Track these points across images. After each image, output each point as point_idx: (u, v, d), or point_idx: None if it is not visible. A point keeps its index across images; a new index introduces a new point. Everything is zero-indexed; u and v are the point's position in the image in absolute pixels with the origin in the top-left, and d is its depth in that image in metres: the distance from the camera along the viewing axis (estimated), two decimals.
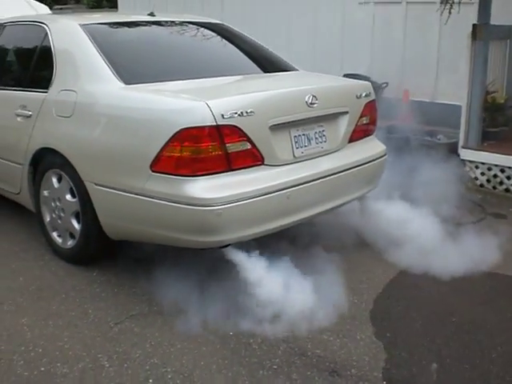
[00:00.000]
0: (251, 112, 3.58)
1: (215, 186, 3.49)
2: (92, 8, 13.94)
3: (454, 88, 6.59)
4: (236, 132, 3.53)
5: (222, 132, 3.47)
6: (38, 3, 7.21)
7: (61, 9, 10.30)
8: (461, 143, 6.31)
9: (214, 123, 3.44)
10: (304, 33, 8.73)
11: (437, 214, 4.92)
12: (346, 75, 6.61)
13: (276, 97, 3.90)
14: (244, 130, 3.56)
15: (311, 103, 3.92)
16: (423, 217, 4.87)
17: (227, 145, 3.50)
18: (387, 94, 7.47)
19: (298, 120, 3.91)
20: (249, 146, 3.62)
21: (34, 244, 4.62)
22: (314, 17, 8.72)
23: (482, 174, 6.23)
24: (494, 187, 6.15)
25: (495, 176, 6.16)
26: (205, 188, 3.46)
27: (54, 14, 6.63)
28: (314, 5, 8.72)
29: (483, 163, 6.21)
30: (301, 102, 3.90)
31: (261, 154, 3.69)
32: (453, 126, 6.52)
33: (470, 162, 6.27)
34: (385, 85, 7.42)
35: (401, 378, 3.10)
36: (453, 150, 6.39)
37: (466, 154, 6.29)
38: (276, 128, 3.77)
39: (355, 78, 5.16)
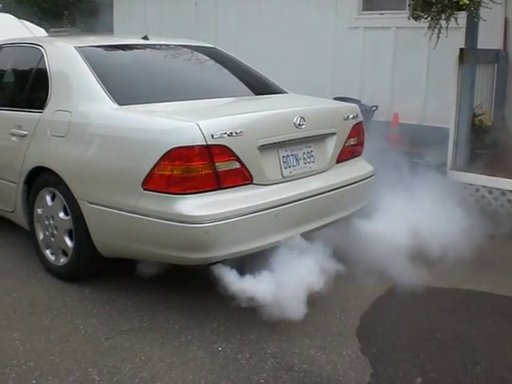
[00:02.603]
0: (240, 132, 3.68)
1: (204, 204, 3.57)
2: (88, 31, 14.13)
3: (442, 111, 6.71)
4: (225, 152, 3.63)
5: (211, 151, 3.57)
6: (34, 26, 7.33)
7: (57, 31, 10.46)
8: (449, 165, 6.42)
9: (204, 143, 3.54)
10: (296, 57, 8.88)
11: (423, 234, 5.02)
12: (336, 98, 6.73)
13: (265, 118, 4.01)
14: (233, 149, 3.66)
15: (299, 124, 4.04)
16: (410, 236, 4.98)
17: (217, 164, 3.60)
18: (378, 117, 7.59)
19: (287, 140, 4.02)
20: (238, 166, 3.71)
21: (28, 262, 4.67)
22: (305, 41, 8.88)
23: (470, 195, 6.33)
24: (483, 208, 6.24)
25: (483, 197, 6.26)
26: (194, 206, 3.55)
27: (50, 36, 6.75)
28: (306, 29, 8.89)
29: (471, 184, 6.31)
30: (289, 123, 4.01)
31: (250, 174, 3.78)
32: (441, 148, 6.62)
33: (458, 183, 6.37)
34: (374, 108, 7.55)
35: None
36: (441, 171, 6.49)
37: (453, 175, 6.39)
38: (265, 148, 3.87)
39: (345, 101, 5.28)
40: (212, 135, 3.56)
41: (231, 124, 3.70)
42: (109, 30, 10.82)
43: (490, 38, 7.00)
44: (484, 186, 6.24)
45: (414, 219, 5.31)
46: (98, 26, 10.80)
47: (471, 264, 4.81)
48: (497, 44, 7.18)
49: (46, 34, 7.05)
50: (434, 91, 7.32)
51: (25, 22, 7.29)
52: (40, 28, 7.35)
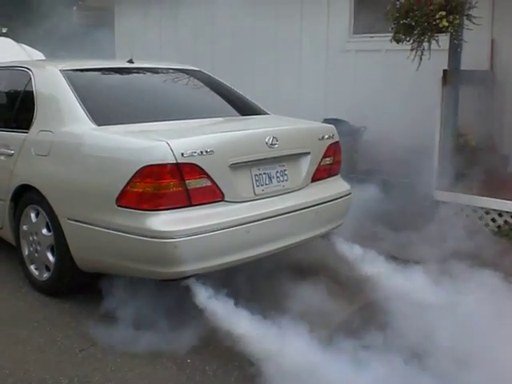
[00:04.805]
0: (211, 151, 3.83)
1: (175, 220, 3.71)
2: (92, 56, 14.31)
3: (430, 131, 6.81)
4: (196, 170, 3.78)
5: (181, 169, 3.71)
6: (33, 50, 7.54)
7: (61, 55, 10.78)
8: (434, 184, 6.52)
9: (175, 161, 3.69)
10: (290, 80, 9.05)
11: (403, 252, 5.12)
12: (325, 120, 6.86)
13: (236, 138, 4.16)
14: (204, 167, 3.80)
15: (272, 144, 4.17)
16: (390, 254, 5.07)
17: (187, 182, 3.74)
18: (368, 137, 7.71)
19: (259, 159, 4.15)
20: (208, 183, 3.85)
21: (14, 276, 4.83)
22: (299, 64, 9.08)
23: (455, 214, 6.42)
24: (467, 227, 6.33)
25: (468, 216, 6.35)
26: (165, 222, 3.68)
27: (43, 59, 6.96)
28: (299, 52, 9.09)
29: (456, 204, 6.40)
30: (261, 142, 4.15)
31: (221, 191, 3.92)
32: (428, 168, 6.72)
33: (443, 202, 6.47)
34: (363, 128, 7.67)
35: None
36: (427, 190, 6.59)
37: (439, 195, 6.49)
38: (236, 166, 4.01)
39: (333, 123, 5.38)
40: (182, 154, 3.71)
41: (202, 143, 3.85)
42: (111, 55, 11.10)
43: (478, 59, 7.15)
44: (468, 206, 6.33)
45: (396, 238, 5.44)
46: (102, 51, 11.05)
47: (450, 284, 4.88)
48: (485, 65, 7.30)
49: (43, 58, 7.26)
50: (422, 112, 7.42)
51: (23, 45, 7.51)
52: (38, 52, 7.57)
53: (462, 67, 6.52)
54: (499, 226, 6.15)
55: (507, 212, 6.06)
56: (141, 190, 3.70)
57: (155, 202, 3.70)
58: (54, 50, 10.83)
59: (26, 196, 4.55)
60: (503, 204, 6.08)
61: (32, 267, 4.61)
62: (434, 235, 5.57)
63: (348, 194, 4.82)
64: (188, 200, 3.77)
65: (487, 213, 6.23)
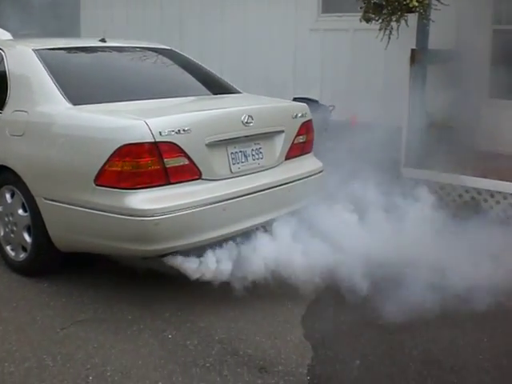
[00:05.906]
0: (188, 130, 3.87)
1: (154, 198, 3.76)
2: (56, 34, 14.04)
3: (398, 110, 6.93)
4: (173, 148, 3.82)
5: (160, 148, 3.76)
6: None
7: (25, 34, 10.56)
8: (402, 162, 6.65)
9: (152, 140, 3.73)
10: (258, 58, 9.10)
11: (372, 229, 5.22)
12: (294, 99, 6.93)
13: (212, 116, 4.21)
14: (181, 146, 3.85)
15: (247, 122, 4.22)
16: (356, 229, 5.17)
17: (165, 160, 3.79)
18: (337, 116, 7.79)
19: (235, 138, 4.21)
20: (186, 162, 3.90)
21: None
22: (267, 43, 9.12)
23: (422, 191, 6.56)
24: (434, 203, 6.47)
25: (435, 192, 6.49)
26: (144, 200, 3.73)
27: (14, 39, 6.86)
28: (268, 31, 9.12)
29: (423, 180, 6.54)
30: (237, 121, 4.20)
31: (198, 169, 3.97)
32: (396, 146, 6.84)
33: (411, 179, 6.60)
34: (332, 107, 7.75)
35: (324, 374, 3.38)
36: (395, 168, 6.72)
37: (407, 172, 6.62)
38: (213, 145, 4.06)
39: (303, 101, 5.46)
40: (160, 132, 3.75)
41: (179, 122, 3.89)
42: (77, 33, 10.98)
43: (445, 38, 7.27)
44: (436, 182, 6.47)
45: (364, 215, 5.52)
46: (67, 29, 10.90)
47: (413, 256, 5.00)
48: (451, 45, 7.41)
49: (10, 37, 7.15)
50: (389, 90, 7.54)
51: None
52: (5, 31, 7.44)
53: (430, 47, 6.63)
54: (465, 202, 6.31)
55: (474, 188, 6.22)
56: (119, 169, 3.74)
57: (134, 180, 3.74)
58: (18, 29, 10.62)
59: (0, 177, 4.53)
60: (472, 181, 6.23)
61: (8, 248, 4.59)
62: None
63: (320, 172, 4.91)
64: (167, 178, 3.82)
65: (454, 189, 6.38)
